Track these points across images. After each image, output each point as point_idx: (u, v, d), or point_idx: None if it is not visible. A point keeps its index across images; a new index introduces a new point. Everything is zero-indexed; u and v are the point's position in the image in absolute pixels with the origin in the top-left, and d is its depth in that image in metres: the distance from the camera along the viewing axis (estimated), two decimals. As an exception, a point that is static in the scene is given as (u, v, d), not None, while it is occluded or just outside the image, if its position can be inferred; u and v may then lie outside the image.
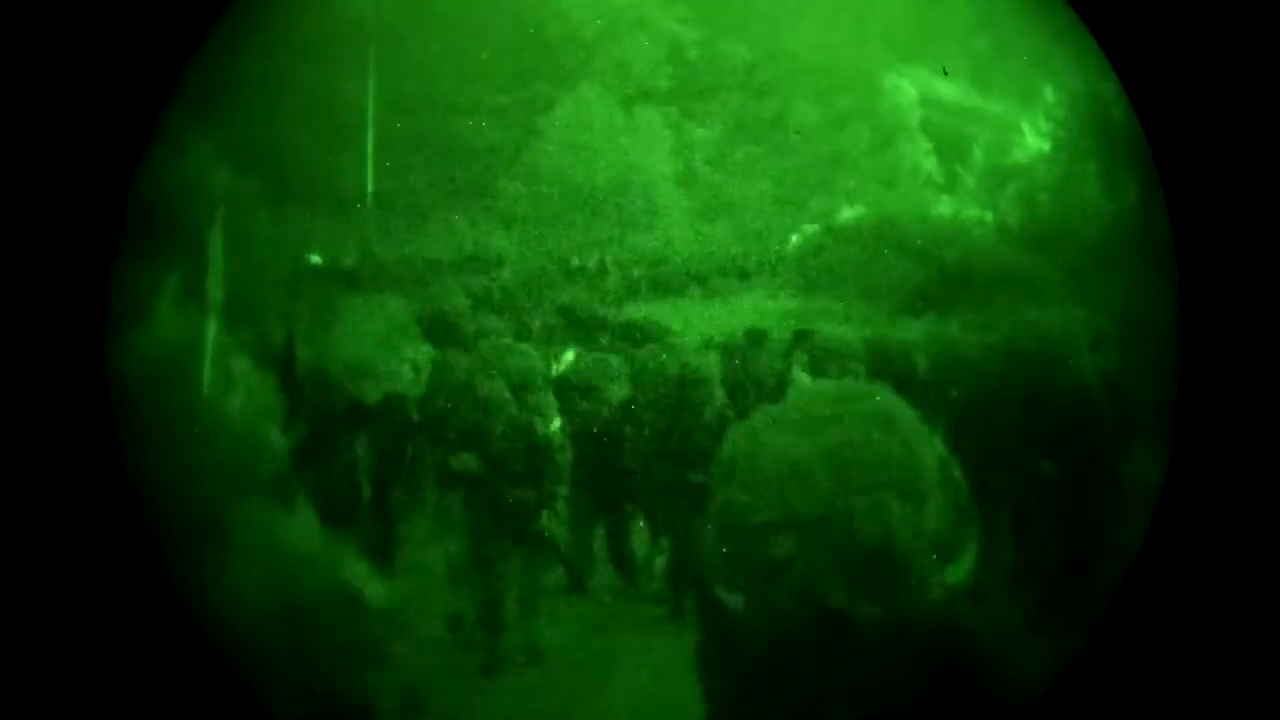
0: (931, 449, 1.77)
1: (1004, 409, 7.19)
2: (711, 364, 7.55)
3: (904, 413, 1.81)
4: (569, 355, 8.20)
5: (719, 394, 7.42)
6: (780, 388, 7.60)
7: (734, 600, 1.68)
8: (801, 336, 7.94)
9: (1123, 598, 3.90)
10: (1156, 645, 3.68)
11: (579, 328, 10.26)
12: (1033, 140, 13.39)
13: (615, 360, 8.04)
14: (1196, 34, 3.63)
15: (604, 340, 9.36)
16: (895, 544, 1.63)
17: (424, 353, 7.70)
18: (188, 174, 4.89)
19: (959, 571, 1.68)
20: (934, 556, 1.66)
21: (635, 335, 9.57)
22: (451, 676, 6.61)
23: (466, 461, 6.66)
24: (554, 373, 7.55)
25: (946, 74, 13.60)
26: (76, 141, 3.96)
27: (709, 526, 1.77)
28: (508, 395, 6.66)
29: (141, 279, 4.24)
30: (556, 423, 6.92)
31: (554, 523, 7.01)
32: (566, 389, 7.57)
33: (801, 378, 7.29)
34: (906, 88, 14.18)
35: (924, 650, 1.61)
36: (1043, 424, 7.06)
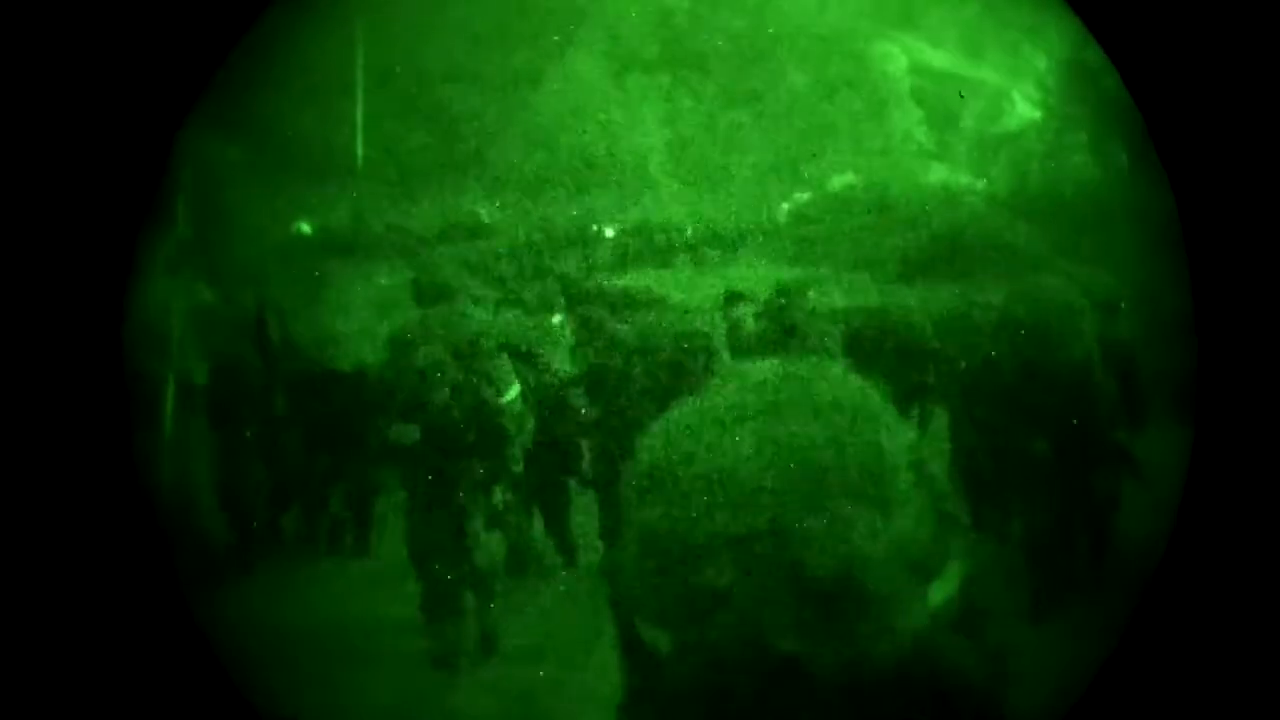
0: (902, 436, 1.41)
1: (999, 379, 7.13)
2: (707, 330, 7.44)
3: (865, 392, 1.44)
4: (556, 321, 8.11)
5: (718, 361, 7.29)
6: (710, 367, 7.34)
7: (659, 639, 1.38)
8: (779, 299, 7.81)
9: (1150, 594, 3.79)
10: (1184, 644, 3.59)
11: (569, 296, 10.21)
12: (1023, 108, 13.35)
13: (606, 328, 7.98)
14: (1185, 6, 3.59)
15: (594, 308, 9.30)
16: (860, 569, 1.30)
17: (411, 320, 7.63)
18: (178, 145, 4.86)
19: (944, 589, 1.35)
20: (911, 577, 1.33)
21: (626, 304, 9.52)
22: (406, 668, 6.26)
23: (427, 433, 6.45)
24: (536, 349, 7.44)
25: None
26: (97, 126, 3.95)
27: (626, 546, 1.44)
28: (473, 365, 6.50)
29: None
30: (515, 389, 6.71)
31: (515, 500, 6.81)
32: (544, 357, 7.44)
33: (728, 356, 7.09)
34: (897, 55, 14.11)
35: (901, 698, 1.34)
36: (1039, 397, 6.98)
